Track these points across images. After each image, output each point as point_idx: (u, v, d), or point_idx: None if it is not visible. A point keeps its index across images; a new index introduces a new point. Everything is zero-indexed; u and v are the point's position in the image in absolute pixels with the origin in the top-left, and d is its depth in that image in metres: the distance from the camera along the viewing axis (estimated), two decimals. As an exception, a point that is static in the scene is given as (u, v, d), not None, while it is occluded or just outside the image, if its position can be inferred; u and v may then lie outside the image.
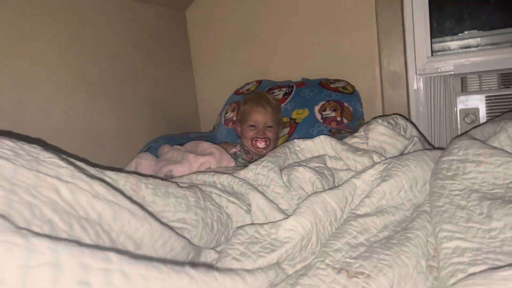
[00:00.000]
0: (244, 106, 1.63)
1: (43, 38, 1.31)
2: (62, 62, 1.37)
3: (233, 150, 1.50)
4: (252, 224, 0.83)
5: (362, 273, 0.66)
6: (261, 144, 1.52)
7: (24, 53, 1.25)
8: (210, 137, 1.76)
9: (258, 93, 1.70)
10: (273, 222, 0.81)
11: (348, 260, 0.70)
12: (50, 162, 0.59)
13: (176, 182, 0.96)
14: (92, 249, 0.43)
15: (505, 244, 0.66)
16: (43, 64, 1.31)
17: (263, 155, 1.15)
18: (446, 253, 0.68)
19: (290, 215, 0.81)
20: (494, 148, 0.88)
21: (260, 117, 1.56)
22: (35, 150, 0.61)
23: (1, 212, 0.46)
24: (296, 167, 1.03)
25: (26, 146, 0.60)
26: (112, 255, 0.44)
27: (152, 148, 1.50)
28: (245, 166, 1.24)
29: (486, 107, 1.67)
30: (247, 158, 1.49)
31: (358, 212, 0.84)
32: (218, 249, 0.85)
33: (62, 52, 1.37)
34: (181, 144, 1.47)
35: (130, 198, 0.66)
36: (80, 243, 0.43)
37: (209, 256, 0.82)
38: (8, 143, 0.58)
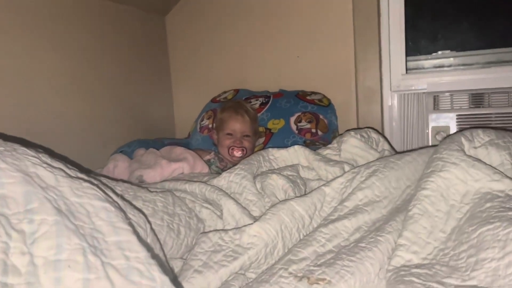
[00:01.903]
0: (222, 114, 1.61)
1: (20, 37, 1.28)
2: (35, 61, 1.34)
3: (207, 157, 1.49)
4: (217, 230, 0.83)
5: (323, 279, 0.66)
6: (237, 153, 1.51)
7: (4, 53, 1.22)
8: (185, 144, 1.74)
9: (237, 102, 1.69)
10: (238, 228, 0.81)
11: (312, 268, 0.70)
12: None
13: (147, 188, 0.95)
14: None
15: (452, 259, 0.70)
16: (22, 63, 1.28)
17: (237, 163, 1.15)
18: (398, 261, 0.72)
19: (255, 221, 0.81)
20: (480, 161, 0.86)
21: (238, 125, 1.55)
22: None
23: None
24: (270, 174, 1.04)
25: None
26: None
27: (124, 152, 1.47)
28: (218, 173, 1.23)
29: (456, 125, 1.71)
30: (221, 166, 1.48)
31: (331, 217, 0.84)
32: (185, 256, 0.84)
33: (37, 52, 1.34)
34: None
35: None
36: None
37: (175, 266, 0.80)
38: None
